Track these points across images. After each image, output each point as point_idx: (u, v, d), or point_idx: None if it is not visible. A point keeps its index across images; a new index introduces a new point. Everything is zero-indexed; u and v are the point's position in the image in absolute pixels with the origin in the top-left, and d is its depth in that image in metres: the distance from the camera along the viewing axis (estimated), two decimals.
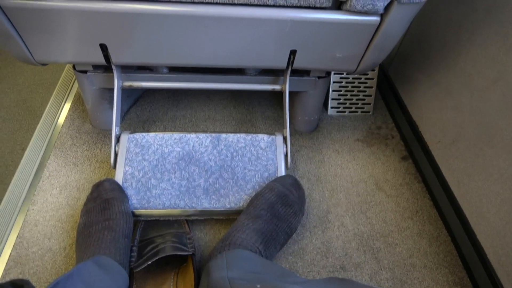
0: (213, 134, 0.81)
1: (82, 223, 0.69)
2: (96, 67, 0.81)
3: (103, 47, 0.68)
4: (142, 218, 0.75)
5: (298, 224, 0.75)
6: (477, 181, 0.73)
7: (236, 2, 0.61)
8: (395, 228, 0.81)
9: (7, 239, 0.74)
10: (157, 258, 0.64)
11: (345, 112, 1.06)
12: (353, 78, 1.03)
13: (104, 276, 0.57)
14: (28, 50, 0.68)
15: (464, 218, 0.76)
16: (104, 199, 0.70)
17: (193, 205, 0.74)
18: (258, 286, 0.48)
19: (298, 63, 0.74)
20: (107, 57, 0.71)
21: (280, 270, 0.61)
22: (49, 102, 1.03)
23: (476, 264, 0.73)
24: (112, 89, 0.79)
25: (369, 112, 1.07)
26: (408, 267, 0.75)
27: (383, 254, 0.77)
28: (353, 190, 0.88)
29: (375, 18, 0.64)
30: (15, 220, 0.77)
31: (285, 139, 0.82)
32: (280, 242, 0.70)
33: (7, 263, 0.71)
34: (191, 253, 0.67)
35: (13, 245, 0.73)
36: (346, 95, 1.05)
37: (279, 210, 0.71)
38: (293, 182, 0.76)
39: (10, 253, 0.72)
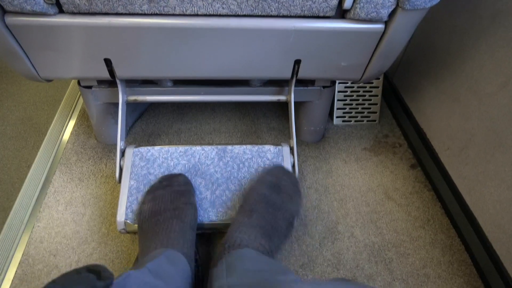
0: (219, 146, 0.80)
1: (148, 210, 0.68)
2: (100, 82, 0.81)
3: (108, 62, 0.69)
4: None
5: (298, 207, 0.72)
6: (490, 188, 0.72)
7: (239, 13, 0.61)
8: (407, 238, 0.80)
9: (12, 256, 0.73)
10: None
11: (350, 121, 1.06)
12: (358, 87, 1.03)
13: (173, 270, 0.57)
14: (33, 66, 0.69)
15: (478, 226, 0.74)
16: (175, 190, 0.70)
17: (200, 218, 0.73)
18: None
19: (302, 73, 0.74)
20: (111, 71, 0.71)
21: (282, 267, 0.58)
22: (54, 119, 1.03)
23: (492, 273, 0.71)
24: (117, 104, 0.79)
25: (375, 120, 1.06)
26: (422, 278, 0.73)
27: (395, 264, 0.75)
28: (362, 200, 0.86)
29: (380, 26, 0.64)
30: (21, 237, 0.76)
31: (291, 149, 0.81)
32: (283, 231, 0.68)
33: (12, 281, 0.70)
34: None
35: (19, 263, 0.72)
36: (352, 104, 1.04)
37: (273, 200, 0.69)
38: (281, 170, 0.75)
39: (16, 271, 0.71)
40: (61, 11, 0.59)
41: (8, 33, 0.60)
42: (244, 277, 0.53)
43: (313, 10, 0.61)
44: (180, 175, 0.75)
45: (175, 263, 0.59)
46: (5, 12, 0.58)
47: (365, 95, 1.04)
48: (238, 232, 0.64)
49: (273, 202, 0.69)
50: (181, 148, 0.80)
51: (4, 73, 1.21)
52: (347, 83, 1.02)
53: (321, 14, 0.62)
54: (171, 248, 0.61)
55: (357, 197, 0.87)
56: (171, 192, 0.70)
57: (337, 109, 1.04)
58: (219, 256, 0.62)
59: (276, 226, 0.66)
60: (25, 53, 0.65)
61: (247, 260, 0.58)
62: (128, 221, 0.71)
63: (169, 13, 0.60)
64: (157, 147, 0.79)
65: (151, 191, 0.72)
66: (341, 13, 0.63)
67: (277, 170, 0.75)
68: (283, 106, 1.09)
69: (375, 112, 1.05)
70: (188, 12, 0.60)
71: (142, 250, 0.64)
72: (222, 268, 0.57)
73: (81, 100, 1.09)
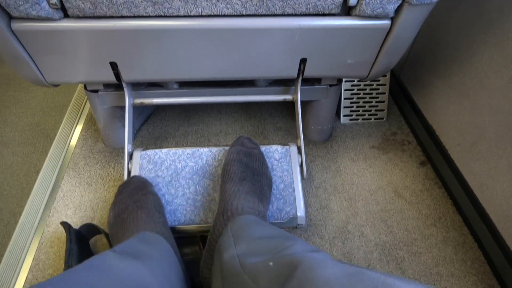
0: (226, 148, 0.80)
1: (112, 215, 0.68)
2: (107, 86, 0.81)
3: (113, 65, 0.69)
4: None
5: (269, 170, 0.76)
6: (502, 183, 0.70)
7: (244, 13, 0.60)
8: (418, 236, 0.78)
9: (23, 261, 0.73)
10: None
11: (358, 119, 1.05)
12: (364, 85, 1.02)
13: (149, 249, 0.56)
14: (40, 72, 0.69)
15: (490, 222, 0.73)
16: (132, 187, 0.71)
17: (209, 220, 0.73)
18: (271, 263, 0.43)
19: (309, 72, 0.74)
20: (117, 75, 0.71)
21: (286, 233, 0.57)
22: (62, 124, 1.04)
23: (507, 270, 0.69)
24: (124, 107, 0.79)
25: (382, 118, 1.05)
26: (435, 276, 0.72)
27: (407, 263, 0.74)
28: (371, 199, 0.85)
29: (386, 22, 0.63)
30: (31, 242, 0.76)
31: (299, 149, 0.80)
32: (268, 196, 0.71)
33: (23, 286, 0.70)
34: None
35: (29, 268, 0.72)
36: (359, 102, 1.03)
37: (254, 167, 0.72)
38: (248, 139, 0.78)
39: (27, 276, 0.71)
40: (66, 15, 0.59)
41: (15, 39, 0.61)
42: (252, 244, 0.52)
43: (318, 7, 0.60)
44: (133, 176, 0.75)
45: (149, 242, 0.57)
46: (11, 18, 0.58)
47: (372, 93, 1.03)
48: (237, 199, 0.63)
49: (255, 170, 0.72)
50: (189, 150, 0.80)
51: (12, 80, 1.22)
52: (354, 81, 1.01)
53: (327, 12, 0.61)
54: (142, 231, 0.60)
55: (366, 196, 0.86)
56: (128, 191, 0.70)
57: (344, 107, 1.03)
58: (221, 225, 0.60)
59: (264, 192, 0.69)
60: (32, 58, 0.66)
61: (252, 226, 0.57)
62: None
63: (174, 14, 0.59)
64: (164, 150, 0.79)
65: (113, 203, 0.71)
66: (346, 10, 0.63)
67: (245, 140, 0.78)
68: (289, 106, 1.08)
69: (383, 110, 1.04)
70: (192, 13, 0.59)
71: None
72: (229, 237, 0.56)
73: (88, 105, 1.09)
